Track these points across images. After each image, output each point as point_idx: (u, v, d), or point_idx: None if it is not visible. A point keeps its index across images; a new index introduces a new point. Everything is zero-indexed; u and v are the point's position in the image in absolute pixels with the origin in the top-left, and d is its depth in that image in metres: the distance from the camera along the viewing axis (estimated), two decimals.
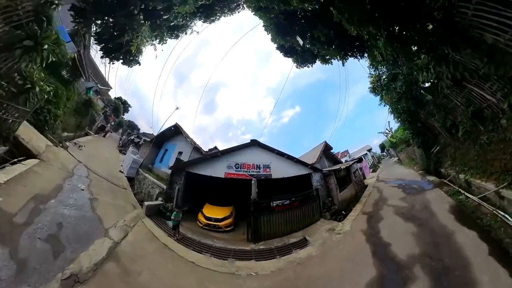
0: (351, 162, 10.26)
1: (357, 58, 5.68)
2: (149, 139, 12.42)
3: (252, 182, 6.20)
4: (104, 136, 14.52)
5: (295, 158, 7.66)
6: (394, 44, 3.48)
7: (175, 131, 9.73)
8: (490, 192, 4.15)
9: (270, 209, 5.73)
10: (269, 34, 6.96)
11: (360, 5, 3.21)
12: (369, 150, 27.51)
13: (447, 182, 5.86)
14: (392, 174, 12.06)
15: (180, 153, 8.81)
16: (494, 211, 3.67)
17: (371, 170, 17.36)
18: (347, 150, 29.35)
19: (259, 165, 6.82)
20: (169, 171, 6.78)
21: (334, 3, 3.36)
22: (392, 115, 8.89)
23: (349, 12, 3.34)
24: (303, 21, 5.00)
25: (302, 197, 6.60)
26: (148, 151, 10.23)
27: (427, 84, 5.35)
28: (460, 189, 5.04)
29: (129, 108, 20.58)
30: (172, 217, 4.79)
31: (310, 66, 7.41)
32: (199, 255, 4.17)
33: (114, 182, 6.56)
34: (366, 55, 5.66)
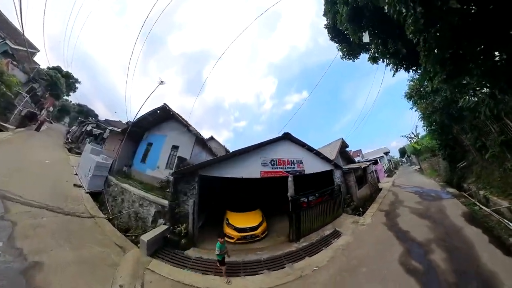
0: (368, 163, 10.99)
1: (408, 71, 5.44)
2: (119, 129, 8.85)
3: (289, 179, 6.03)
4: (37, 129, 9.69)
5: (321, 153, 7.70)
6: (454, 77, 3.41)
7: (164, 116, 7.34)
8: (503, 207, 4.98)
9: (305, 205, 5.89)
10: (329, 11, 5.81)
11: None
12: (386, 153, 27.39)
13: (466, 195, 6.71)
14: (410, 182, 12.70)
15: (175, 147, 7.22)
16: (500, 219, 4.58)
17: (386, 175, 17.63)
18: (360, 150, 29.82)
19: (293, 160, 6.58)
20: (159, 175, 5.64)
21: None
22: (422, 122, 9.20)
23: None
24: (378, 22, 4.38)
25: (330, 192, 7.04)
26: (119, 148, 7.31)
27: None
28: (476, 202, 5.88)
29: (77, 85, 13.63)
30: (217, 251, 3.44)
31: (353, 60, 6.89)
32: (258, 276, 3.56)
33: (67, 211, 4.01)
34: (419, 71, 5.38)
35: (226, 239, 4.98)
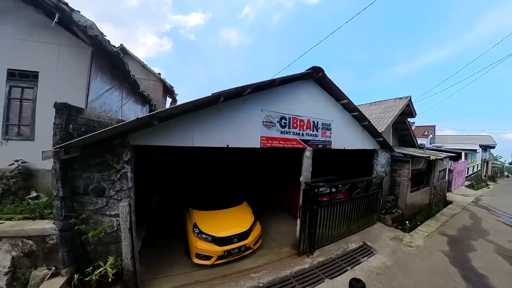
0: (444, 155, 9.13)
1: None
2: None
3: (306, 153, 5.32)
4: None
5: (366, 119, 6.51)
6: None
7: None
8: None
9: (325, 199, 5.30)
10: None
11: None
12: (485, 147, 19.22)
13: None
14: None
15: (23, 76, 4.38)
16: None
17: (467, 182, 14.94)
18: (433, 126, 23.24)
19: (317, 123, 5.52)
20: None
21: None
22: None
23: None
24: None
25: (365, 185, 6.30)
26: None
27: None
28: None
29: None
30: None
31: None
32: None
33: None
34: None
35: (198, 261, 4.30)
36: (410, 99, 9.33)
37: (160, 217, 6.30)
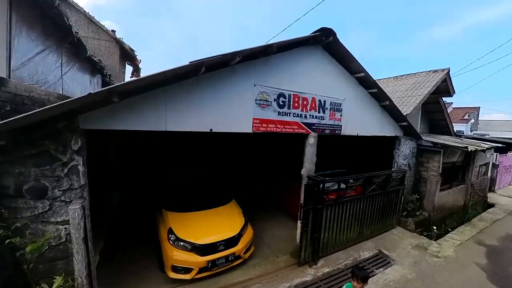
0: (487, 145, 9.10)
1: None
2: None
3: (309, 140, 5.58)
4: None
5: (387, 96, 6.73)
6: None
7: None
8: None
9: (332, 197, 5.61)
10: None
11: None
12: None
13: None
14: None
15: None
16: None
17: None
18: (477, 108, 23.25)
19: (324, 102, 5.73)
20: None
21: None
22: None
23: None
24: None
25: (382, 180, 6.67)
26: None
27: None
28: None
29: None
30: None
31: None
32: None
33: None
34: None
35: (174, 275, 4.45)
36: (448, 73, 9.53)
37: (123, 222, 6.45)
